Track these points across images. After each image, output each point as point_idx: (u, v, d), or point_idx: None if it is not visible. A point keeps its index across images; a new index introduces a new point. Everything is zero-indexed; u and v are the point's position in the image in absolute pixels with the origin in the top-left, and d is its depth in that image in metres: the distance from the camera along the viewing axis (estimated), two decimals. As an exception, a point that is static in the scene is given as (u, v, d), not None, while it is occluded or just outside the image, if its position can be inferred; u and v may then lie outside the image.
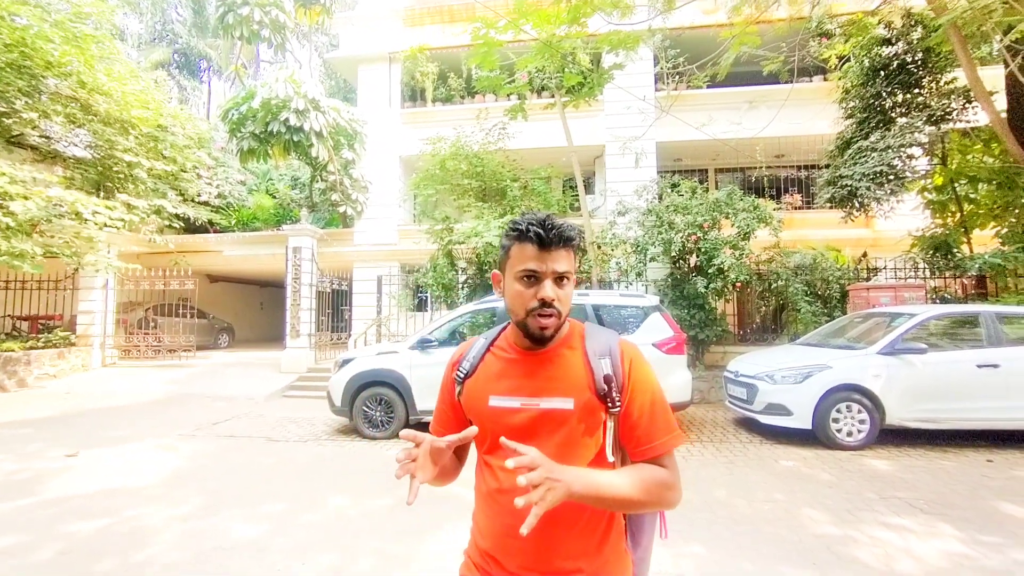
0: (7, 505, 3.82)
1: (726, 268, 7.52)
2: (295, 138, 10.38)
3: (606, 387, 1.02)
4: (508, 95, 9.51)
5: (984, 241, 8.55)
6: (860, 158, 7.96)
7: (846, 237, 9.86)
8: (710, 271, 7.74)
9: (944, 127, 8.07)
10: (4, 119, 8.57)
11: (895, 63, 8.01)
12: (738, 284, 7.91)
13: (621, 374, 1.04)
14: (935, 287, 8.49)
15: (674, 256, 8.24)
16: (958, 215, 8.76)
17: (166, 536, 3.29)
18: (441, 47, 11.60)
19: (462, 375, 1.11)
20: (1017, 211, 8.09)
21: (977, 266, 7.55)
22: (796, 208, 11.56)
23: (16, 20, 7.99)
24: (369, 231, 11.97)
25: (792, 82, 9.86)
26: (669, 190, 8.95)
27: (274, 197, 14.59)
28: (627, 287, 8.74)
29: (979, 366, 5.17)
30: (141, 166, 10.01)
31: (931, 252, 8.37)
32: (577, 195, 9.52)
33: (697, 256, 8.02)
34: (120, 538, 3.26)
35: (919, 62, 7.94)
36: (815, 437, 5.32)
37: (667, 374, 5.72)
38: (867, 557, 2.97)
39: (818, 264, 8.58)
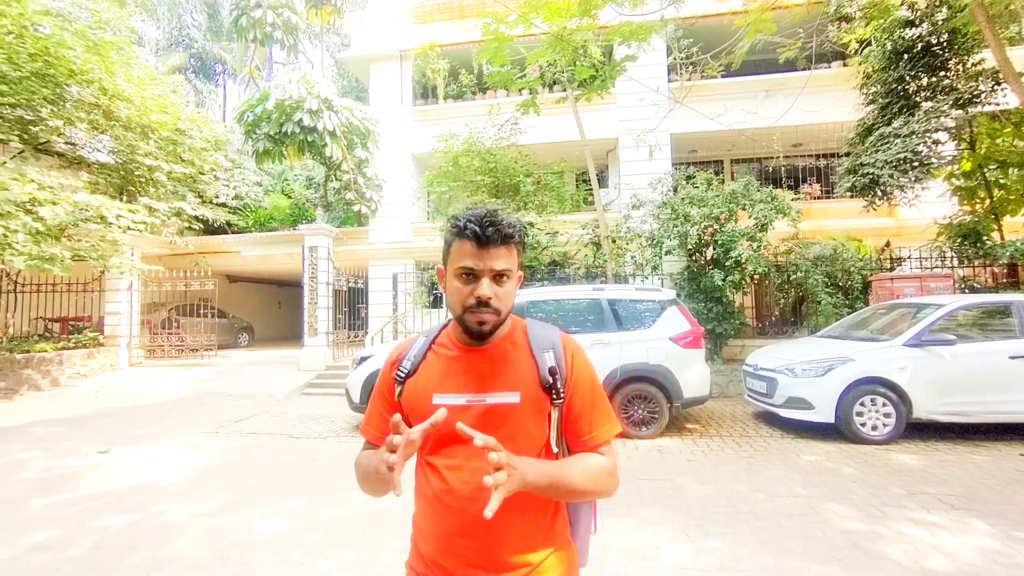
0: (44, 500, 3.96)
1: (744, 260, 7.41)
2: (309, 138, 10.48)
3: (551, 379, 1.03)
4: (520, 90, 9.45)
5: (1015, 228, 8.26)
6: (883, 145, 7.72)
7: (868, 227, 9.59)
8: (727, 264, 7.62)
9: (972, 110, 7.79)
10: (31, 127, 8.82)
11: (919, 45, 7.73)
12: (756, 276, 7.78)
13: (565, 366, 1.06)
14: (963, 276, 8.24)
15: (690, 249, 8.13)
16: (987, 201, 8.47)
17: (193, 531, 3.37)
18: (452, 44, 11.59)
19: (403, 375, 1.08)
20: (1050, 196, 7.82)
21: (1008, 254, 7.32)
22: (815, 198, 11.27)
23: (40, 30, 8.20)
24: (384, 229, 12.04)
25: (810, 69, 9.62)
26: (684, 182, 8.83)
27: (290, 197, 14.78)
28: (643, 281, 8.65)
29: (1012, 357, 5.01)
30: (161, 169, 10.22)
31: (959, 240, 8.13)
32: (591, 189, 9.44)
33: (714, 249, 7.90)
34: (149, 533, 3.36)
35: (944, 44, 7.66)
36: (838, 431, 5.22)
37: (685, 368, 5.67)
38: (896, 553, 2.90)
39: (839, 255, 8.38)
